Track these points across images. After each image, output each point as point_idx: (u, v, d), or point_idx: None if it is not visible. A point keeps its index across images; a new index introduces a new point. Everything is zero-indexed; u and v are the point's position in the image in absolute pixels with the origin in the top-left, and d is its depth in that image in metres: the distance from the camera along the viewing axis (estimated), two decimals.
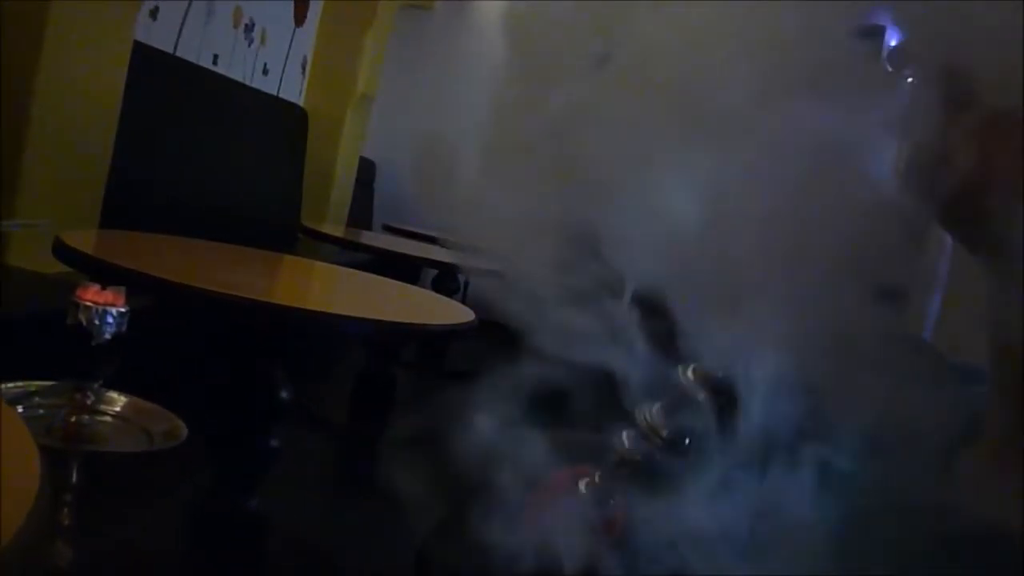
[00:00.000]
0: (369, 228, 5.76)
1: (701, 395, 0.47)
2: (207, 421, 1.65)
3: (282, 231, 4.53)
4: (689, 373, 0.47)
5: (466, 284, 5.39)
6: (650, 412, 0.48)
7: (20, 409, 1.13)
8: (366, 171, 5.98)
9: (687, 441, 0.48)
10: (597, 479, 0.49)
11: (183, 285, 1.64)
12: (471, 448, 0.51)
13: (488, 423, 0.52)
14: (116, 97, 2.87)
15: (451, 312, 2.28)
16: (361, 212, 5.91)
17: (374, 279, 2.65)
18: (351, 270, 2.77)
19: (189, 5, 3.74)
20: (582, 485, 0.49)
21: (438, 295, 2.90)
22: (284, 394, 1.98)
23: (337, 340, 4.04)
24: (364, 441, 3.41)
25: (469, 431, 0.53)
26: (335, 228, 4.62)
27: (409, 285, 2.71)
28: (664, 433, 0.47)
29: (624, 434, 0.49)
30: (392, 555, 1.98)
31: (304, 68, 5.22)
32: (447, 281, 4.35)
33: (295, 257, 3.01)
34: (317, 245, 4.19)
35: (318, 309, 1.98)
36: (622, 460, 0.48)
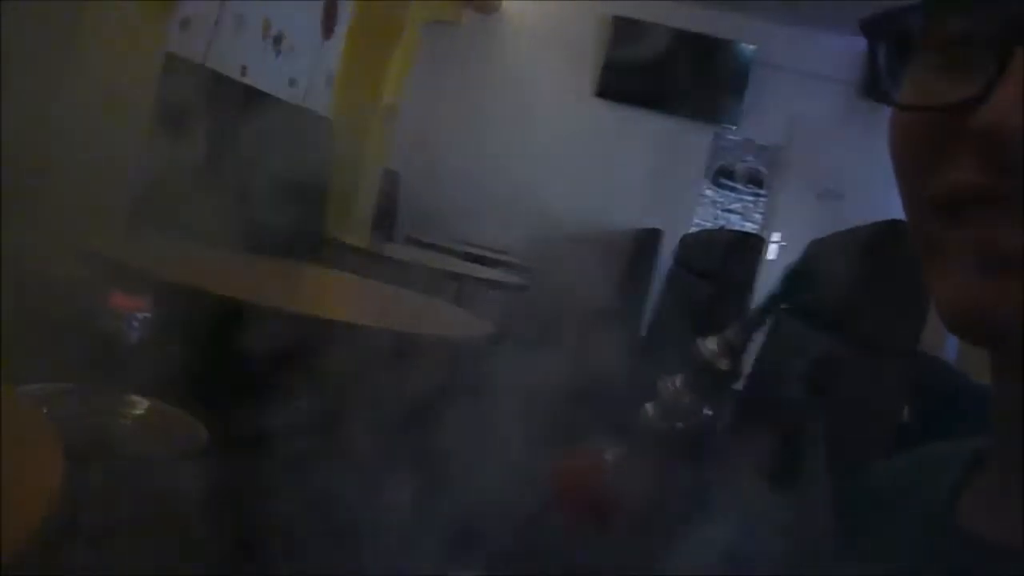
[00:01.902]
0: (393, 240, 5.79)
1: (724, 364, 0.47)
2: (227, 427, 1.67)
3: (306, 242, 4.56)
4: (712, 343, 0.48)
5: (487, 297, 5.40)
6: (673, 383, 0.48)
7: (45, 411, 1.15)
8: (391, 182, 6.02)
9: (708, 412, 0.48)
10: (621, 452, 0.50)
11: (207, 292, 1.66)
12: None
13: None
14: (146, 105, 2.91)
15: (470, 324, 2.29)
16: (385, 224, 5.94)
17: (395, 290, 2.67)
18: (373, 282, 2.78)
19: (219, 17, 3.78)
20: (607, 457, 0.50)
21: (458, 308, 2.92)
22: (303, 403, 1.99)
23: (358, 350, 4.05)
24: (384, 451, 3.42)
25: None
26: (358, 239, 4.64)
27: (430, 297, 2.72)
28: (686, 403, 0.48)
29: (648, 406, 0.49)
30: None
31: (330, 80, 5.27)
32: (468, 294, 4.36)
33: (318, 268, 3.04)
34: (340, 255, 4.21)
35: (339, 319, 2.00)
36: (646, 431, 0.49)
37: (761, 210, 6.56)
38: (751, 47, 6.24)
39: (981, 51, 0.38)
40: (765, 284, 0.53)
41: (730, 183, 6.60)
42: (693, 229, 6.15)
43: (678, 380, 0.48)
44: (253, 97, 4.11)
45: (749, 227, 6.49)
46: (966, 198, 0.39)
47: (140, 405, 1.29)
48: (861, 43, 0.42)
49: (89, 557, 1.19)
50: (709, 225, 6.48)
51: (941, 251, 0.41)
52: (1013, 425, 0.43)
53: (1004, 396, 0.43)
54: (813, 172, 6.12)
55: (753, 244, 2.89)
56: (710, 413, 0.49)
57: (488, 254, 5.24)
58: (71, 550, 1.14)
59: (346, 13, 5.23)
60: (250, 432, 1.98)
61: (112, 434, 1.22)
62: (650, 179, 6.45)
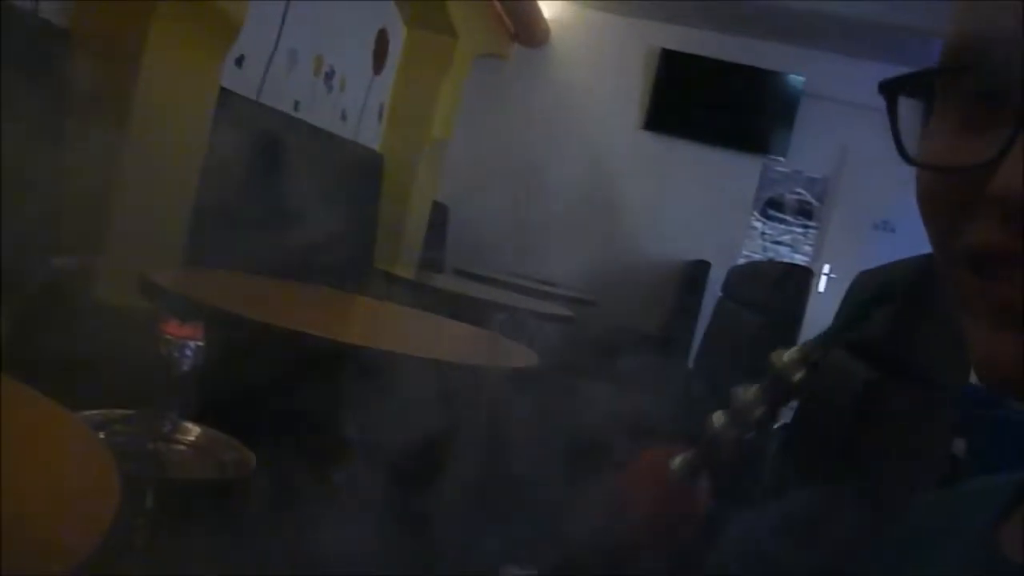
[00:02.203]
0: (441, 271, 5.84)
1: (798, 376, 0.47)
2: (274, 455, 1.70)
3: (355, 272, 4.62)
4: (789, 354, 0.48)
5: (535, 328, 5.41)
6: (745, 393, 0.49)
7: (101, 435, 1.18)
8: (439, 215, 6.08)
9: (775, 424, 0.49)
10: (687, 457, 0.51)
11: (259, 322, 1.69)
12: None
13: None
14: (202, 141, 2.99)
15: (516, 355, 2.30)
16: (433, 255, 5.99)
17: (442, 321, 2.70)
18: (420, 312, 2.81)
19: (273, 54, 3.88)
20: (673, 462, 0.51)
21: (504, 338, 2.93)
22: (350, 432, 2.02)
23: (404, 380, 4.08)
24: (426, 480, 3.43)
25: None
26: (406, 270, 4.69)
27: (477, 328, 2.74)
28: (756, 414, 0.49)
29: (716, 414, 0.50)
30: None
31: (381, 114, 5.35)
32: (515, 325, 4.38)
33: (366, 298, 3.08)
34: (388, 287, 4.26)
35: (386, 349, 2.02)
36: (714, 439, 0.50)
37: (811, 242, 6.50)
38: (800, 78, 6.22)
39: (998, 111, 0.39)
40: (815, 316, 0.54)
41: (779, 215, 6.56)
42: (741, 261, 6.12)
43: (752, 390, 0.49)
44: (305, 131, 4.20)
45: (799, 259, 6.43)
46: (987, 256, 0.39)
47: (192, 431, 1.33)
48: None
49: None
50: (758, 257, 6.44)
51: (968, 303, 0.41)
52: None
53: None
54: (863, 203, 6.05)
55: (801, 276, 2.86)
56: (777, 425, 0.50)
57: (535, 286, 5.26)
58: (126, 569, 1.17)
59: (396, 48, 5.32)
60: (298, 458, 2.01)
61: (166, 458, 1.25)
62: (698, 211, 6.43)
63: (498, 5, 5.87)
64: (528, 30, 6.37)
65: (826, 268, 6.20)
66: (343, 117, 4.85)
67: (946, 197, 0.41)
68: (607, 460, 0.56)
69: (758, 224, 6.56)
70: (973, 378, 0.46)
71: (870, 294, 0.45)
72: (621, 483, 0.52)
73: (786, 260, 6.26)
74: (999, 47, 0.38)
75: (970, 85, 0.41)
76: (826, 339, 0.47)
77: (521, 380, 3.44)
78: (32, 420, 0.88)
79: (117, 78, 2.61)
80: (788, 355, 0.48)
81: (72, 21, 2.58)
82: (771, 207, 6.56)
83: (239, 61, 3.56)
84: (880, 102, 0.44)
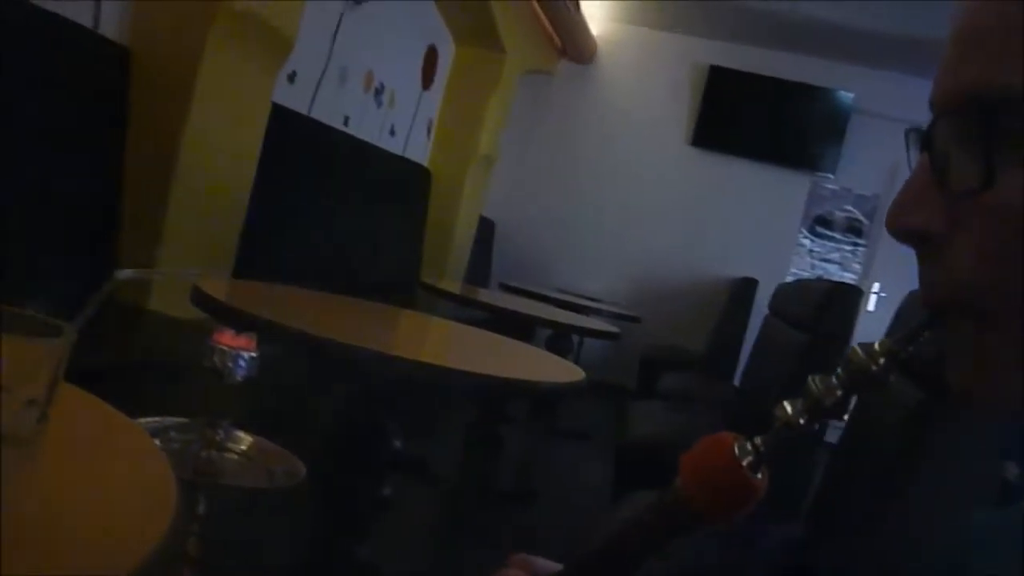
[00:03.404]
0: (486, 286, 5.86)
1: (874, 367, 0.48)
2: (324, 466, 1.72)
3: (402, 286, 4.66)
4: (871, 347, 0.49)
5: (580, 344, 5.41)
6: (819, 381, 0.50)
7: (157, 442, 1.21)
8: (485, 230, 6.11)
9: (845, 414, 0.50)
10: (755, 443, 0.51)
11: (309, 334, 1.72)
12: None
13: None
14: (254, 155, 3.05)
15: (561, 371, 2.30)
16: (479, 270, 6.02)
17: (487, 336, 2.71)
18: (466, 326, 2.83)
19: (324, 70, 3.94)
20: (737, 447, 0.51)
21: (549, 354, 2.93)
22: (398, 444, 2.04)
23: (450, 393, 4.11)
24: (472, 493, 3.44)
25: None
26: (452, 285, 4.71)
27: (522, 343, 2.75)
28: (828, 403, 0.49)
29: (786, 403, 0.51)
30: None
31: (429, 130, 5.40)
32: (560, 341, 4.38)
33: (413, 312, 3.10)
34: (435, 300, 4.29)
35: (433, 363, 2.04)
36: (784, 426, 0.50)
37: (860, 260, 6.43)
38: (849, 94, 6.17)
39: None
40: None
41: (828, 232, 6.49)
42: (790, 279, 6.06)
43: (828, 379, 0.50)
44: (355, 146, 4.25)
45: (848, 277, 6.36)
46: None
47: (244, 440, 1.35)
48: None
49: None
50: (806, 275, 6.37)
51: None
52: None
53: None
54: None
55: (849, 295, 2.83)
56: (845, 418, 0.51)
57: (581, 301, 5.26)
58: (178, 574, 1.20)
59: (445, 64, 5.37)
60: (347, 468, 2.03)
61: (219, 466, 1.28)
62: (746, 228, 6.39)
63: (546, 22, 5.91)
64: (575, 46, 6.40)
65: (875, 287, 6.12)
66: (392, 132, 4.91)
67: None
68: (649, 476, 0.57)
69: (806, 241, 6.50)
70: None
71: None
72: (683, 463, 0.53)
73: (835, 278, 6.19)
74: None
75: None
76: (910, 336, 0.48)
77: (567, 395, 3.44)
78: (92, 426, 0.91)
79: (174, 95, 2.67)
80: (868, 348, 0.49)
81: (131, 39, 2.65)
82: (820, 224, 6.49)
83: (291, 77, 3.62)
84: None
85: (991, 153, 0.39)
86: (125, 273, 0.69)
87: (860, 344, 0.49)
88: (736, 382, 4.71)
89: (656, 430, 2.84)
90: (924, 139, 0.44)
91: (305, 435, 1.63)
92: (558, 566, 0.62)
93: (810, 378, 0.50)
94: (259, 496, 1.30)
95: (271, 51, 3.00)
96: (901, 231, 0.44)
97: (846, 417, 0.47)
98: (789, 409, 0.50)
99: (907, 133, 0.46)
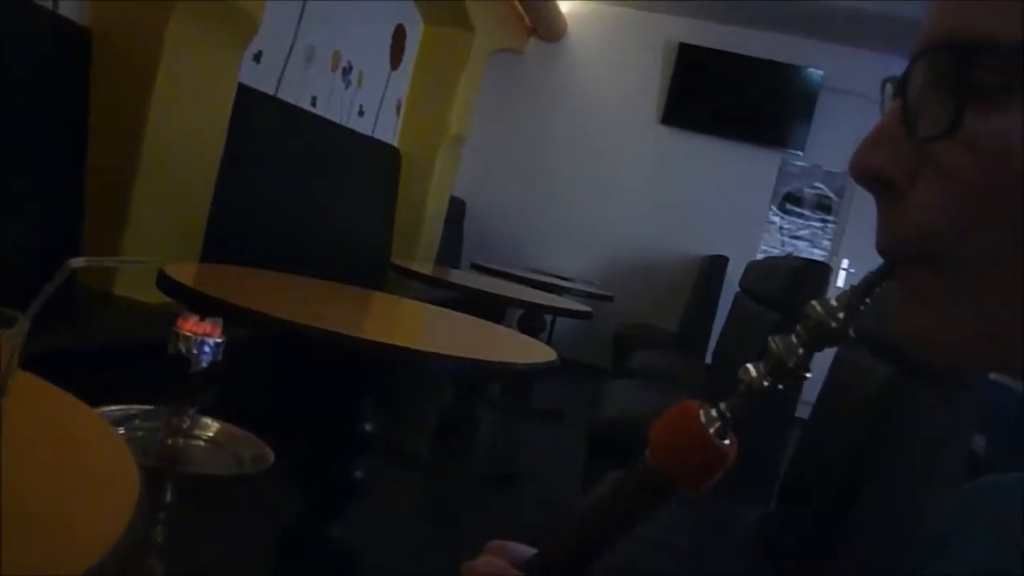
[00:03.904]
0: (458, 266, 5.84)
1: (834, 322, 0.48)
2: (295, 450, 1.71)
3: (373, 268, 4.63)
4: (827, 302, 0.49)
5: (552, 324, 5.41)
6: (780, 341, 0.49)
7: (121, 431, 1.19)
8: (456, 210, 6.08)
9: (808, 373, 0.50)
10: (720, 408, 0.51)
11: (277, 318, 1.70)
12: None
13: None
14: (220, 137, 3.01)
15: (534, 351, 2.30)
16: (450, 251, 6.00)
17: (460, 317, 2.70)
18: (438, 308, 2.82)
19: (291, 50, 3.89)
20: (703, 414, 0.51)
21: (522, 334, 2.93)
22: (370, 427, 2.02)
23: (423, 376, 4.10)
24: (446, 475, 3.44)
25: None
26: (424, 266, 4.69)
27: (494, 324, 2.74)
28: (790, 362, 0.49)
29: (748, 366, 0.50)
30: None
31: (398, 109, 5.36)
32: (533, 321, 4.39)
33: (384, 294, 3.08)
34: (406, 282, 4.27)
35: (404, 345, 2.03)
36: (748, 389, 0.50)
37: (829, 237, 6.47)
38: (818, 72, 6.19)
39: None
40: None
41: (798, 209, 6.53)
42: (760, 256, 6.09)
43: (788, 339, 0.49)
44: (324, 127, 4.21)
45: (817, 254, 6.40)
46: None
47: (211, 426, 1.33)
48: None
49: (159, 569, 1.23)
50: (776, 252, 6.41)
51: None
52: None
53: None
54: None
55: (818, 272, 2.85)
56: (808, 376, 0.50)
57: (553, 281, 5.26)
58: (146, 565, 1.18)
59: (414, 44, 5.33)
60: (318, 452, 2.02)
61: (186, 454, 1.26)
62: (716, 206, 6.41)
63: (515, 0, 5.87)
64: (545, 24, 6.36)
65: (845, 263, 6.17)
66: (360, 113, 4.86)
67: None
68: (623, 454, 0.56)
69: (776, 218, 6.54)
70: (994, 375, 0.46)
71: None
72: (651, 433, 0.52)
73: (804, 255, 6.23)
74: None
75: None
76: (867, 286, 0.48)
77: (538, 375, 3.44)
78: (52, 416, 0.89)
79: (136, 75, 2.62)
80: (826, 303, 0.48)
81: (91, 20, 2.60)
82: (789, 202, 6.53)
83: (257, 57, 3.57)
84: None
85: (961, 97, 0.39)
86: (78, 261, 0.67)
87: (819, 300, 0.49)
88: (708, 359, 4.73)
89: (628, 409, 2.84)
90: (899, 84, 0.44)
91: (275, 420, 1.62)
92: (534, 551, 0.61)
93: (770, 339, 0.50)
94: (229, 483, 1.29)
95: (236, 31, 2.95)
96: (862, 172, 0.44)
97: (809, 375, 0.46)
98: (753, 371, 0.50)
99: (883, 83, 0.46)
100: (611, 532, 0.56)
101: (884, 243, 0.44)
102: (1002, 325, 0.40)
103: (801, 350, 0.49)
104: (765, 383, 0.49)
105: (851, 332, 0.48)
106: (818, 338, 0.48)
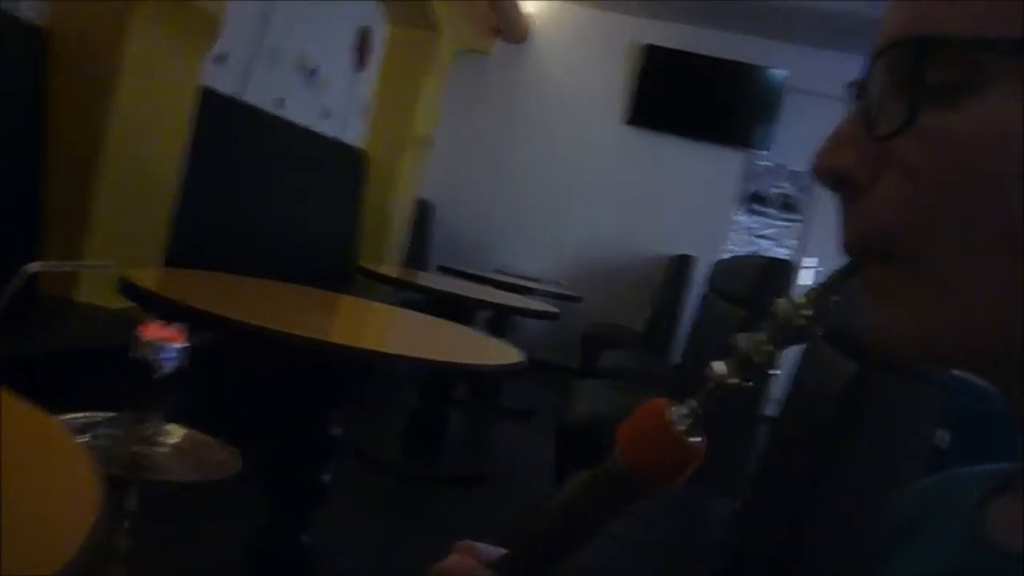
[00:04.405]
0: (425, 269, 5.83)
1: (802, 319, 0.48)
2: (262, 455, 1.69)
3: (339, 271, 4.61)
4: (793, 299, 0.49)
5: (520, 325, 5.41)
6: (748, 339, 0.49)
7: (84, 438, 1.17)
8: (423, 212, 6.07)
9: (776, 369, 0.50)
10: (687, 408, 0.51)
11: (241, 323, 1.68)
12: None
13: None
14: (182, 140, 2.97)
15: (502, 353, 2.30)
16: (418, 253, 5.98)
17: (428, 320, 2.69)
18: (406, 310, 2.81)
19: (255, 52, 3.86)
20: (673, 412, 0.51)
21: (490, 336, 2.93)
22: (337, 431, 2.01)
23: (391, 379, 4.08)
24: (416, 478, 3.43)
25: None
26: (391, 268, 4.68)
27: (462, 326, 2.73)
28: (757, 359, 0.49)
29: (715, 364, 0.50)
30: None
31: (364, 111, 5.34)
32: (501, 322, 4.38)
33: (351, 297, 3.06)
34: (374, 285, 4.25)
35: (372, 348, 2.01)
36: (717, 386, 0.50)
37: (795, 236, 6.53)
38: (782, 72, 6.24)
39: None
40: None
41: (763, 209, 6.57)
42: (726, 255, 6.13)
43: (755, 336, 0.50)
44: (289, 130, 4.18)
45: (783, 253, 6.45)
46: None
47: (176, 433, 1.32)
48: None
49: None
50: (742, 251, 6.45)
51: None
52: None
53: (1017, 419, 0.44)
54: None
55: (782, 270, 2.87)
56: (777, 372, 0.50)
57: (520, 282, 5.26)
58: (109, 573, 1.16)
59: (379, 45, 5.30)
60: (283, 457, 2.00)
61: (150, 461, 1.24)
62: (682, 206, 6.45)
63: (481, 1, 5.86)
64: (510, 25, 6.36)
65: (811, 261, 6.22)
66: (326, 115, 4.83)
67: None
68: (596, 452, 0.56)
69: (742, 218, 6.58)
70: (957, 370, 0.46)
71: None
72: (619, 433, 0.52)
73: (770, 254, 6.27)
74: None
75: None
76: (832, 283, 0.48)
77: (506, 376, 3.44)
78: (11, 424, 0.87)
79: (96, 78, 2.59)
80: (793, 300, 0.48)
81: (50, 20, 2.56)
82: (755, 201, 6.57)
83: (221, 59, 3.53)
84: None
85: (916, 93, 0.39)
86: (34, 266, 0.66)
87: (785, 297, 0.49)
88: (676, 358, 4.75)
89: (597, 408, 2.85)
90: (859, 86, 0.44)
91: (241, 426, 1.60)
92: (504, 551, 0.61)
93: (737, 336, 0.50)
94: (194, 489, 1.27)
95: (198, 32, 2.92)
96: (824, 172, 0.44)
97: (778, 372, 0.46)
98: (719, 369, 0.50)
99: (847, 87, 0.46)
100: (580, 531, 0.56)
101: (847, 241, 0.45)
102: (956, 321, 0.41)
103: (768, 347, 0.49)
104: (732, 380, 0.50)
105: (818, 329, 0.48)
106: (785, 335, 0.48)
